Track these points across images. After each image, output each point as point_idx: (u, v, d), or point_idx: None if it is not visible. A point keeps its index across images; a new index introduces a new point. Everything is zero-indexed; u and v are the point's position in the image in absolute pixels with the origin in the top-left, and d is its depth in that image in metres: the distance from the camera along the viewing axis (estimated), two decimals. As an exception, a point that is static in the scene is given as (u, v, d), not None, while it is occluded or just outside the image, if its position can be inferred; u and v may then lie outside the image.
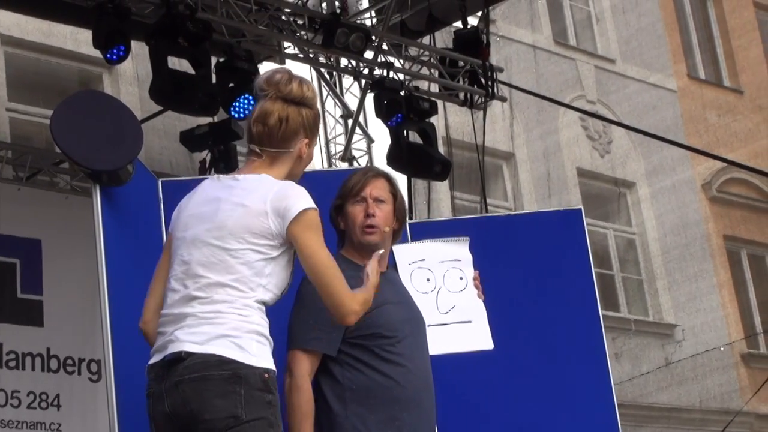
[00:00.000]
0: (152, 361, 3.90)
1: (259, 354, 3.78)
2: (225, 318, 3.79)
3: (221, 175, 4.08)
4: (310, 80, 4.16)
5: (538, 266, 6.04)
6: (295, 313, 4.38)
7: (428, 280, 5.03)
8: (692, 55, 18.86)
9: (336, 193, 4.63)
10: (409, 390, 4.36)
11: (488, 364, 5.35)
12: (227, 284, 3.82)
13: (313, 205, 3.87)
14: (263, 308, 3.88)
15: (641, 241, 16.86)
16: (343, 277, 3.87)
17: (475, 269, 5.09)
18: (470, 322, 5.06)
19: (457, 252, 5.08)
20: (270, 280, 3.87)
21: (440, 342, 4.78)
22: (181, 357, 3.76)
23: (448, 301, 5.03)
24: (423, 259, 4.96)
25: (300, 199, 3.86)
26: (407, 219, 4.87)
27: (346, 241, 4.60)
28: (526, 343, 5.84)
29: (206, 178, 4.17)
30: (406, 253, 5.03)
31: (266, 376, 3.77)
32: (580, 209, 6.32)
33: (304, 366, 4.30)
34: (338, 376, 4.34)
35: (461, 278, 5.04)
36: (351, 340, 4.34)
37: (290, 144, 3.99)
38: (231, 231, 3.85)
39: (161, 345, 3.87)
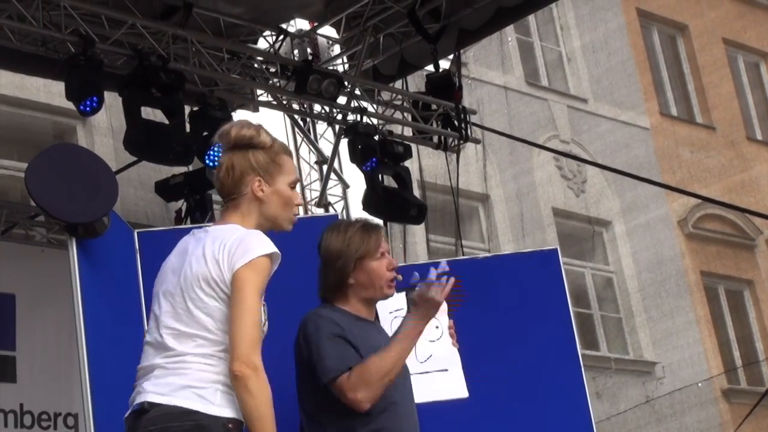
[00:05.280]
0: (126, 413, 3.90)
1: (222, 404, 3.75)
2: (190, 369, 3.77)
3: (196, 229, 4.08)
4: (258, 123, 4.15)
5: (516, 307, 6.03)
6: (315, 347, 4.35)
7: None
8: (664, 93, 18.97)
9: (330, 245, 4.59)
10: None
11: (469, 406, 5.33)
12: (193, 335, 3.80)
13: (268, 251, 3.82)
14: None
15: (618, 279, 16.88)
16: (258, 329, 3.81)
17: (449, 318, 5.07)
18: (446, 370, 5.07)
19: None
20: None
21: (420, 391, 4.77)
22: (144, 408, 3.76)
23: (425, 350, 5.02)
24: (401, 308, 4.95)
25: (255, 247, 3.81)
26: None
27: (349, 294, 4.56)
28: (506, 385, 5.83)
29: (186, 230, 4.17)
30: (386, 302, 5.01)
31: (230, 425, 3.74)
32: (556, 249, 6.32)
33: None
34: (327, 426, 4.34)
35: (437, 327, 5.03)
36: None
37: (241, 188, 4.00)
38: (192, 281, 3.84)
39: (132, 398, 3.88)
